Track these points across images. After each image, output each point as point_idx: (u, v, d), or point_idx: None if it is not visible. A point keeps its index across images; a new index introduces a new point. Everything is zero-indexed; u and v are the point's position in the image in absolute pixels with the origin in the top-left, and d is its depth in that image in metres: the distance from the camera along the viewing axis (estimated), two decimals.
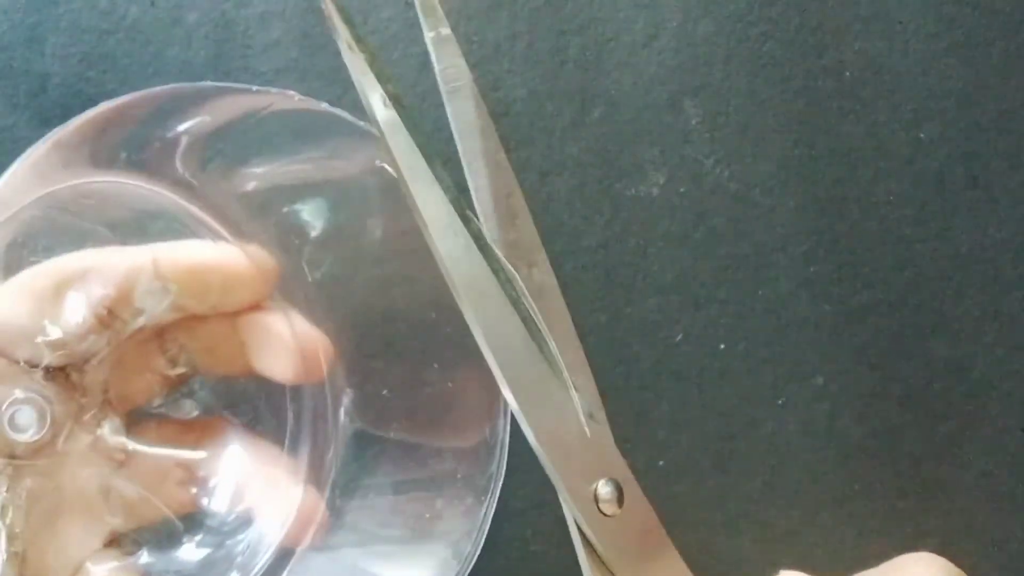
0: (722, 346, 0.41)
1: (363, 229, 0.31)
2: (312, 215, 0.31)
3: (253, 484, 0.29)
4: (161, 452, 0.28)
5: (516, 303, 0.22)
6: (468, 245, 0.22)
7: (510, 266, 0.23)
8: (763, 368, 0.41)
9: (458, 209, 0.22)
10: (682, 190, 0.42)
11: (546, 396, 0.22)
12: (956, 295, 0.41)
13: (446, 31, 0.25)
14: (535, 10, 0.42)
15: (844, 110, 0.42)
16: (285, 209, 0.30)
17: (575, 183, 0.42)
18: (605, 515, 0.22)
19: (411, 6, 0.42)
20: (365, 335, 0.31)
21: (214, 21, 0.41)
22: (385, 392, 0.31)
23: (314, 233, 0.31)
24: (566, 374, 0.23)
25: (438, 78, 0.25)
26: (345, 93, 0.39)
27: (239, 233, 0.29)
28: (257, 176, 0.30)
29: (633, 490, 0.22)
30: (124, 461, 0.28)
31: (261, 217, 0.30)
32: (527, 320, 0.22)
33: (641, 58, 0.42)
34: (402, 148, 0.22)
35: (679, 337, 0.41)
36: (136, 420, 0.29)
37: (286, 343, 0.28)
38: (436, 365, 0.31)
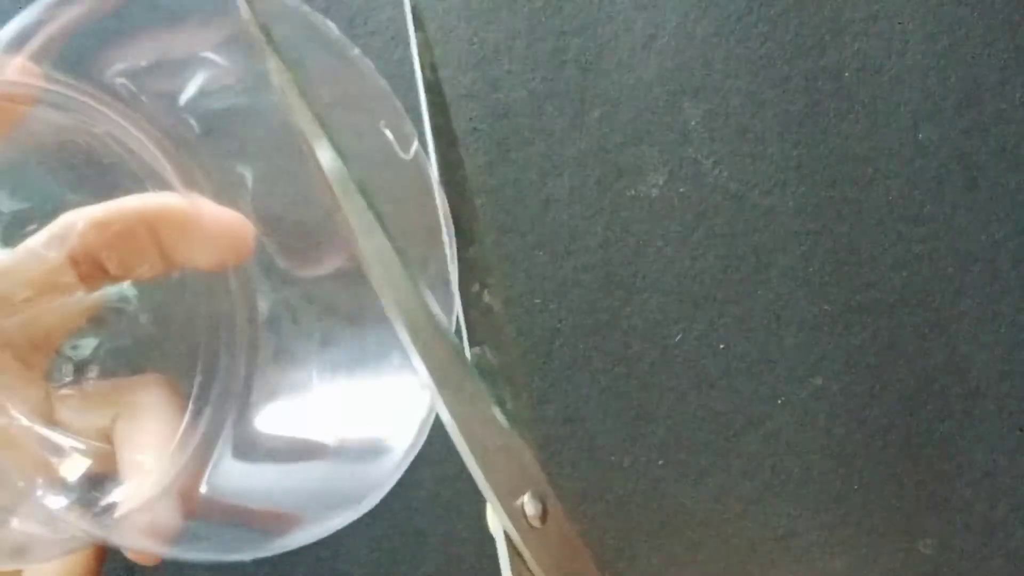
0: (722, 346, 0.41)
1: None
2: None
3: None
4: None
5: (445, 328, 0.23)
6: (403, 273, 0.23)
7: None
8: (763, 368, 0.41)
9: (393, 244, 0.23)
10: (682, 190, 0.42)
11: (474, 409, 0.23)
12: (955, 295, 0.41)
13: None
14: (535, 10, 0.42)
15: (843, 111, 0.42)
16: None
17: (575, 183, 0.42)
18: (532, 527, 0.22)
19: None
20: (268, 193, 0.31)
21: None
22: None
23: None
24: (483, 385, 0.23)
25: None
26: None
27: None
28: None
29: (555, 506, 0.23)
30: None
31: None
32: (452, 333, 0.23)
33: (641, 58, 0.42)
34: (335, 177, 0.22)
35: (679, 337, 0.41)
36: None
37: (206, 229, 0.28)
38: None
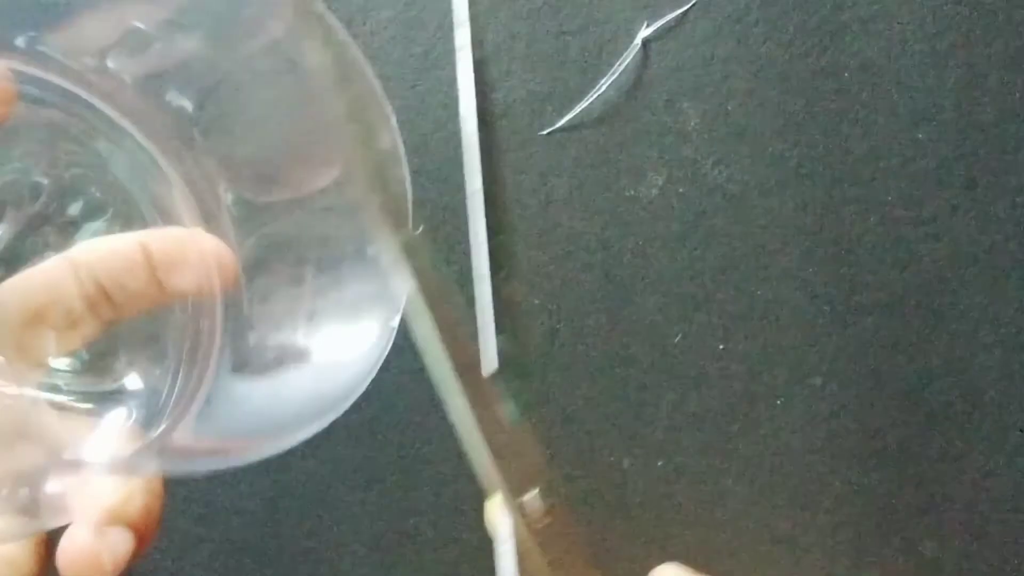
0: (722, 346, 0.41)
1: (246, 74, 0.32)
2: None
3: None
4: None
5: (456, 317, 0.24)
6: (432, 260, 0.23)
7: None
8: (763, 368, 0.41)
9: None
10: (681, 191, 0.42)
11: (483, 408, 0.23)
12: (955, 295, 0.41)
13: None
14: (535, 11, 0.42)
15: (843, 111, 0.42)
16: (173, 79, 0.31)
17: (575, 183, 0.42)
18: (535, 524, 0.22)
19: (411, 6, 0.43)
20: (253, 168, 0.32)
21: None
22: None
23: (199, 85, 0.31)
24: (497, 381, 0.23)
25: None
26: None
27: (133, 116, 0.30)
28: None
29: (559, 503, 0.23)
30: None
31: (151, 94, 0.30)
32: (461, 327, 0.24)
33: (641, 59, 0.42)
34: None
35: (679, 337, 0.41)
36: None
37: (196, 259, 0.29)
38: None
